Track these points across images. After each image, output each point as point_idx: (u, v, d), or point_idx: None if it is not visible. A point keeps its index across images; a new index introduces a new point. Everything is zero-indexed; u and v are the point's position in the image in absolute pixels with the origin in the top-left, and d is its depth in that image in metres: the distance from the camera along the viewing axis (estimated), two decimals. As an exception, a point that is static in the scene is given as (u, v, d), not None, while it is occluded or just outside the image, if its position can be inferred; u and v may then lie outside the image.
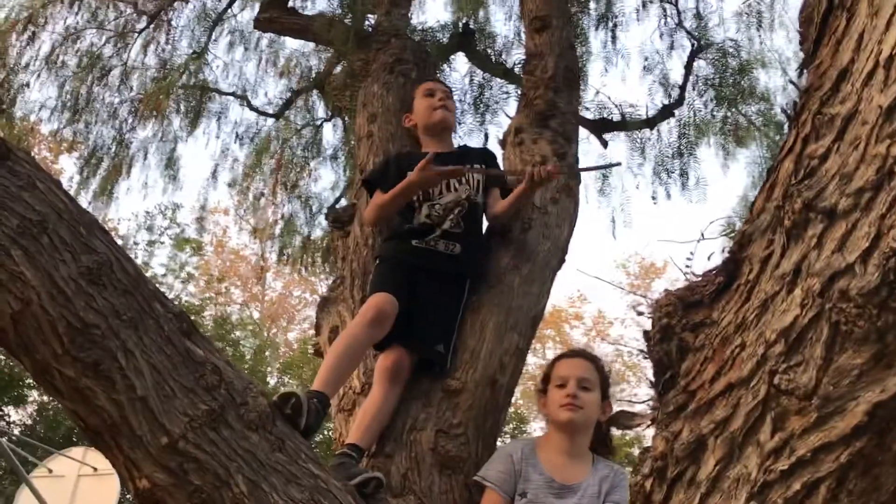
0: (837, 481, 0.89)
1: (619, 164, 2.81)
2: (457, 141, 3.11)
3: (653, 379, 1.08)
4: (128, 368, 1.81)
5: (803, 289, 0.91)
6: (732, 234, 1.05)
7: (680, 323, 1.05)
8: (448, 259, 2.66)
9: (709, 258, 1.10)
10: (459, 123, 3.10)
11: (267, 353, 15.89)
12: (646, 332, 1.11)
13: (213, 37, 7.44)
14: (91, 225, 1.88)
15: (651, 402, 1.11)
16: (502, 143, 3.34)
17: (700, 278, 1.08)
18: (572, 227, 2.99)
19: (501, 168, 2.95)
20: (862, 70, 0.88)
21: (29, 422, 12.54)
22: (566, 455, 2.31)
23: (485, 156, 2.98)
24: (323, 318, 2.98)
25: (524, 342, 2.64)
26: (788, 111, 1.01)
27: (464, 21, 5.19)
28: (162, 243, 15.21)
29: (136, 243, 15.19)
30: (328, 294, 3.07)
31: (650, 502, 1.09)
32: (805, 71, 0.97)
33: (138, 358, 1.82)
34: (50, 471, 8.83)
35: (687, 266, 1.11)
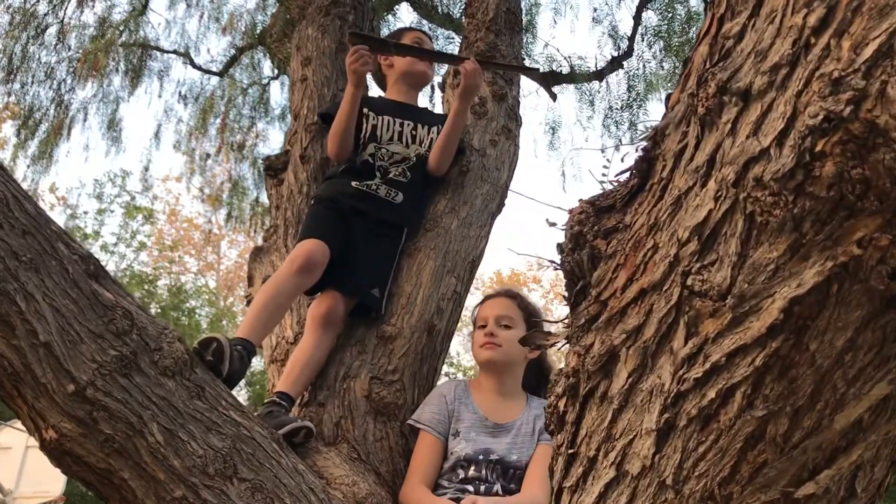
0: (753, 387, 0.82)
1: (537, 69, 2.76)
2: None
3: (565, 293, 1.01)
4: (28, 312, 1.69)
5: (717, 180, 0.84)
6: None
7: (592, 230, 0.97)
8: (388, 206, 2.59)
9: (622, 160, 1.01)
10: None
11: (224, 322, 15.69)
12: (559, 245, 1.03)
13: (153, -9, 7.16)
14: (-16, 160, 1.74)
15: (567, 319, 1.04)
16: (441, 85, 3.25)
17: (615, 183, 1.00)
18: (512, 169, 2.91)
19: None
20: (779, -63, 0.80)
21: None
22: (497, 395, 2.29)
23: (441, 118, 2.89)
24: (255, 268, 2.87)
25: (462, 286, 2.57)
26: (704, -7, 0.93)
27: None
28: (112, 212, 14.87)
29: (85, 212, 14.83)
30: (262, 244, 2.97)
31: (564, 423, 1.02)
32: (722, -51, 0.88)
33: (40, 301, 1.70)
34: (-3, 443, 8.62)
35: (603, 174, 1.03)
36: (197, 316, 14.94)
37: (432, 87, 5.20)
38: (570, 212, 1.03)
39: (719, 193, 0.83)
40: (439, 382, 2.50)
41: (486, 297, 2.48)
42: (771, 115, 0.79)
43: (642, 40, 5.29)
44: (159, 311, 13.80)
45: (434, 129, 2.78)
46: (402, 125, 2.75)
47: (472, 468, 2.19)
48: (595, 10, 5.50)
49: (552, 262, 1.02)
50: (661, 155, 0.93)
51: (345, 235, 2.48)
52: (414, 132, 2.73)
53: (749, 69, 0.81)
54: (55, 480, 8.01)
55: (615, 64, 5.29)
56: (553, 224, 1.02)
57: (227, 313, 16.65)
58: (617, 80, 5.48)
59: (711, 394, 0.84)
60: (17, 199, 1.74)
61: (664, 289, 0.89)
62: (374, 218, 2.55)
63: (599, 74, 5.30)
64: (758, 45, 0.81)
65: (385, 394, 2.27)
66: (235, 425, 1.88)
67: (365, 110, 2.74)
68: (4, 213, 1.70)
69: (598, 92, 5.53)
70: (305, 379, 2.30)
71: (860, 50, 0.73)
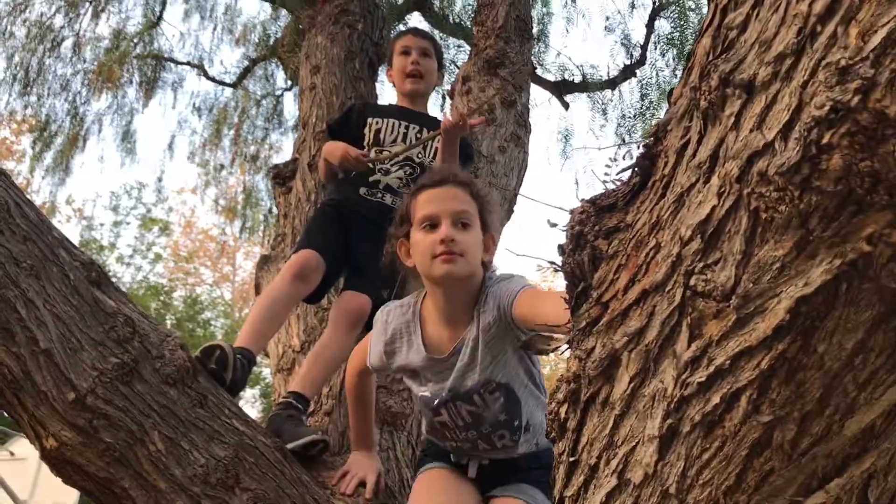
0: (759, 391, 0.78)
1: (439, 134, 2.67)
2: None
3: (566, 296, 0.97)
4: (29, 319, 1.68)
5: (720, 175, 0.80)
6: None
7: (593, 230, 0.94)
8: (388, 209, 2.57)
9: (623, 157, 0.98)
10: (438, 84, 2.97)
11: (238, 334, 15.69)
12: (559, 246, 1.00)
13: (168, 2, 7.22)
14: (-14, 166, 1.73)
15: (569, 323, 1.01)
16: (450, 93, 3.24)
17: (618, 181, 0.97)
18: (521, 176, 2.88)
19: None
20: (783, -78, 0.77)
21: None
22: (445, 316, 1.82)
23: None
24: (263, 276, 2.86)
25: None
26: (707, -16, 0.90)
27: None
28: (128, 224, 14.95)
29: (101, 224, 14.92)
30: (269, 252, 2.95)
31: (565, 430, 0.98)
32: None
33: (40, 308, 1.69)
34: (11, 454, 8.64)
35: (606, 173, 0.99)
36: (212, 327, 14.97)
37: (444, 97, 5.18)
38: (571, 212, 0.99)
39: (722, 189, 0.80)
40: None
41: (423, 186, 1.88)
42: (776, 108, 0.76)
43: (655, 48, 5.26)
44: (174, 322, 13.84)
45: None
46: (406, 128, 2.71)
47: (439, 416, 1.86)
48: (607, 18, 5.48)
49: (552, 263, 0.99)
50: (663, 151, 0.90)
51: (349, 241, 2.48)
52: (419, 135, 2.70)
53: (753, 60, 0.78)
54: (69, 491, 8.02)
55: (628, 72, 5.26)
56: (554, 225, 0.99)
57: (242, 324, 16.67)
58: (630, 88, 5.45)
59: (716, 399, 0.81)
60: (17, 205, 1.73)
61: (667, 289, 0.85)
62: (380, 225, 2.53)
63: (612, 83, 5.27)
64: (762, 34, 0.78)
65: (391, 403, 2.24)
66: (238, 434, 1.85)
67: (369, 119, 2.72)
68: (5, 219, 1.69)
69: (611, 101, 5.50)
70: (321, 379, 2.26)
71: (868, 37, 0.70)
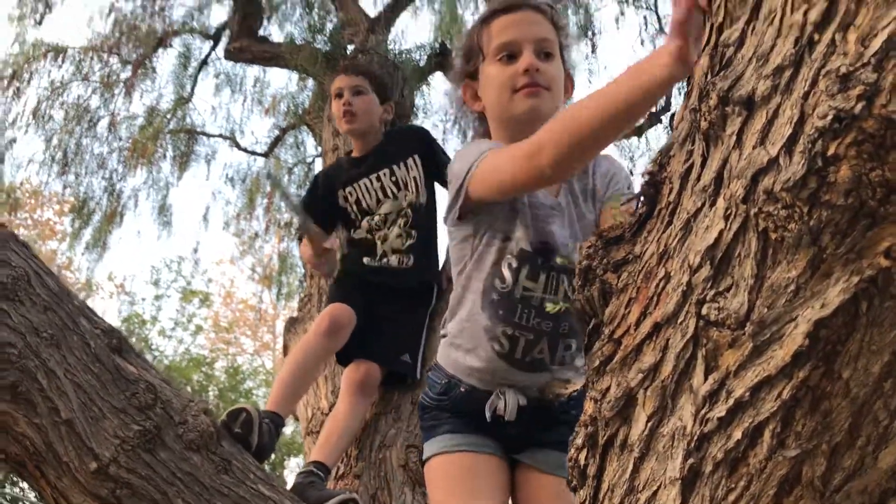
0: (782, 423, 0.73)
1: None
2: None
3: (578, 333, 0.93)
4: (50, 390, 1.67)
5: (726, 197, 0.76)
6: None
7: (601, 263, 0.90)
8: (402, 273, 2.55)
9: (628, 188, 0.95)
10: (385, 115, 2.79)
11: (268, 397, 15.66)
12: (570, 284, 0.96)
13: (199, 78, 7.40)
14: (6, 238, 1.75)
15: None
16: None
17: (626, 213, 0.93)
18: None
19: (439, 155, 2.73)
20: (772, -66, 0.75)
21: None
22: None
23: (411, 141, 2.74)
24: (291, 339, 2.84)
25: (499, 346, 2.49)
26: (703, 6, 0.87)
27: (440, 41, 5.12)
28: (169, 296, 15.14)
29: (143, 298, 15.12)
30: (297, 314, 2.94)
31: (586, 477, 0.93)
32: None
33: (61, 378, 1.68)
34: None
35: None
36: (254, 396, 14.97)
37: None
38: (580, 247, 0.96)
39: (729, 212, 0.76)
40: None
41: (495, 12, 1.62)
42: (777, 122, 0.72)
43: (679, 93, 5.24)
44: (217, 393, 13.87)
45: (410, 159, 2.65)
46: (378, 179, 2.63)
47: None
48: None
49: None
50: (667, 178, 0.87)
51: (367, 305, 2.46)
52: (394, 178, 2.62)
53: (751, 75, 0.75)
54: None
55: (653, 119, 5.24)
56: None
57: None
58: (656, 135, 5.42)
59: (738, 434, 0.75)
60: (38, 275, 1.73)
61: (679, 321, 0.81)
62: (393, 288, 2.52)
63: (639, 130, 5.25)
64: (758, 48, 0.75)
65: (422, 462, 2.18)
66: (264, 499, 1.81)
67: (340, 192, 2.65)
68: (25, 290, 1.69)
69: (638, 148, 5.47)
70: (341, 448, 2.24)
71: (868, 42, 0.67)
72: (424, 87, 5.09)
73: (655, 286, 0.84)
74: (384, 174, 2.63)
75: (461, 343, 1.62)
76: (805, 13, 0.71)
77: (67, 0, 8.88)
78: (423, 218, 2.61)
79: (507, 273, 1.55)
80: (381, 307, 2.44)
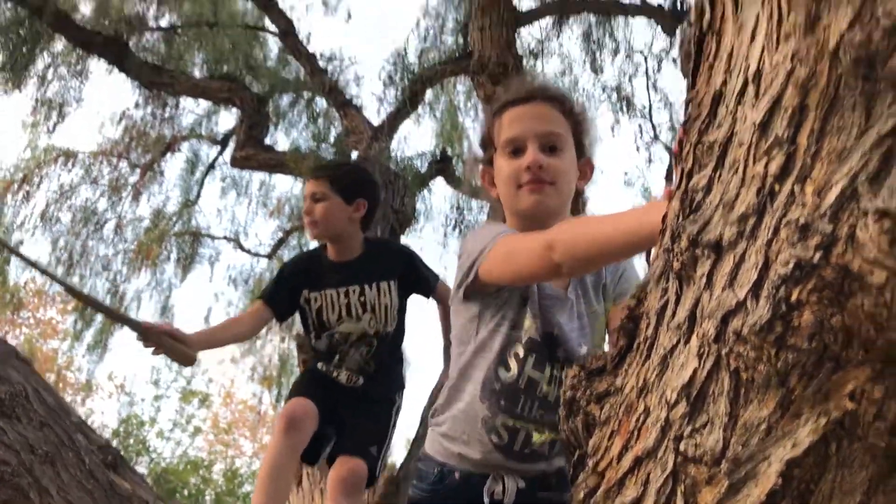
0: (762, 563, 0.74)
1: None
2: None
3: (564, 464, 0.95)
4: (42, 507, 1.66)
5: (699, 336, 0.79)
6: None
7: (585, 395, 0.93)
8: (352, 390, 2.59)
9: (606, 321, 0.98)
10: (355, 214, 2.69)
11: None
12: (556, 414, 0.98)
13: (206, 182, 7.54)
14: (7, 355, 1.78)
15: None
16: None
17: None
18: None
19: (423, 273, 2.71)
20: (734, 90, 0.80)
21: None
22: None
23: (394, 264, 2.69)
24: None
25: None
26: (672, 149, 0.92)
27: (440, 148, 5.26)
28: (168, 397, 15.00)
29: (142, 399, 14.99)
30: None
31: None
32: (687, 106, 0.89)
33: (54, 495, 1.68)
34: None
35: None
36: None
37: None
38: (565, 375, 0.98)
39: (702, 350, 0.79)
40: None
41: (507, 103, 1.64)
42: (744, 266, 0.76)
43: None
44: (214, 497, 13.58)
45: (385, 283, 2.57)
46: (346, 295, 2.57)
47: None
48: (626, 173, 5.62)
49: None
50: (644, 313, 0.90)
51: (329, 400, 2.49)
52: (362, 298, 2.56)
53: (718, 220, 0.79)
54: None
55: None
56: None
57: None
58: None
59: (718, 573, 0.76)
60: (36, 392, 1.75)
61: (658, 456, 0.83)
62: (356, 391, 2.57)
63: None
64: (724, 196, 0.80)
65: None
66: None
67: (305, 293, 2.60)
68: (23, 406, 1.71)
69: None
70: None
71: (824, 194, 0.71)
72: (426, 192, 5.21)
73: (636, 420, 0.86)
74: (353, 291, 2.56)
75: (456, 436, 1.60)
76: (766, 165, 0.76)
77: (80, 108, 9.16)
78: (387, 347, 2.62)
79: (512, 362, 1.55)
80: (344, 409, 2.49)
